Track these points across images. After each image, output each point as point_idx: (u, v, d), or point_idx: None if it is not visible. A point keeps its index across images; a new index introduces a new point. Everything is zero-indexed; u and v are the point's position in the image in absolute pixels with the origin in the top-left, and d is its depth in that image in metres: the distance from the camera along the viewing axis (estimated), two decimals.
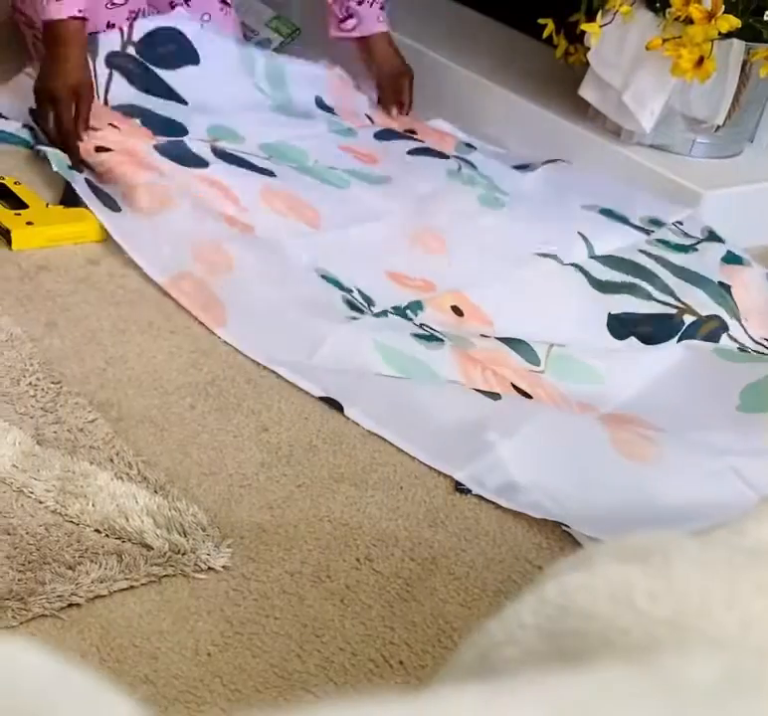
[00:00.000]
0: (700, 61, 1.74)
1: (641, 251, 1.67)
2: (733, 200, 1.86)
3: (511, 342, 1.50)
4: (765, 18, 1.78)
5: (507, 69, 2.13)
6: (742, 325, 1.59)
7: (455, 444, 1.29)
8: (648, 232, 1.74)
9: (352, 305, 1.52)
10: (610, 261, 1.65)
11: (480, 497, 1.24)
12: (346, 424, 1.33)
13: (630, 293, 1.60)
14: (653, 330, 1.56)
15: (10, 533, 1.09)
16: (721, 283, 1.64)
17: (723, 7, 1.72)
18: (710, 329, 1.56)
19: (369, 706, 0.35)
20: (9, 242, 1.57)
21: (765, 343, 1.58)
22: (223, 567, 1.10)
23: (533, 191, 1.84)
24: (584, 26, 1.90)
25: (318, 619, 1.06)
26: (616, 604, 0.45)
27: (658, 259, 1.66)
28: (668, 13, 1.78)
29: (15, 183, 1.69)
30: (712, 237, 1.76)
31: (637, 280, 1.62)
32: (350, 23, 2.04)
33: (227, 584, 1.08)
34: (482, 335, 1.52)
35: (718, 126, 1.88)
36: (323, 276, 1.56)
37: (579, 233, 1.69)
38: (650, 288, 1.61)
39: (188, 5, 2.01)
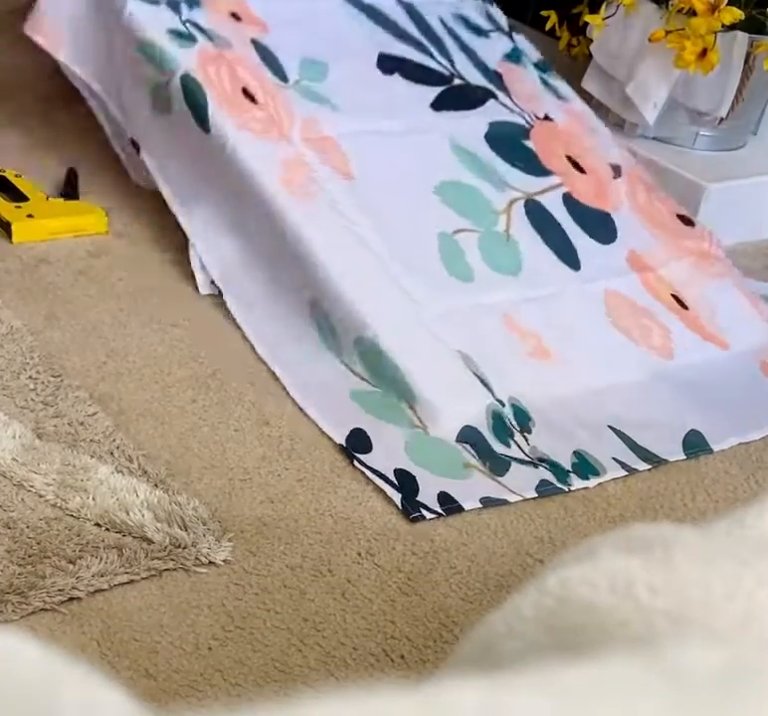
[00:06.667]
0: (704, 53, 1.74)
1: (440, 17, 1.81)
2: (737, 193, 1.85)
3: (267, 54, 1.63)
4: None
5: None
6: (511, 99, 1.74)
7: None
8: None
9: None
10: (409, 7, 1.79)
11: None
12: None
13: (408, 44, 1.74)
14: (420, 76, 1.70)
15: (10, 527, 1.08)
16: (495, 72, 1.78)
17: None
18: (478, 96, 1.72)
19: (372, 698, 0.34)
20: (9, 234, 1.57)
21: (529, 115, 1.73)
22: (223, 561, 1.09)
23: None
24: (587, 18, 1.90)
25: (319, 613, 1.06)
26: (617, 596, 0.45)
27: (450, 30, 1.80)
28: (671, 5, 1.77)
29: (16, 175, 1.69)
30: (509, 32, 1.87)
31: (421, 38, 1.76)
32: None
33: (228, 578, 1.08)
34: (253, 40, 1.64)
35: (722, 119, 1.87)
36: None
37: None
38: (432, 49, 1.75)
39: None
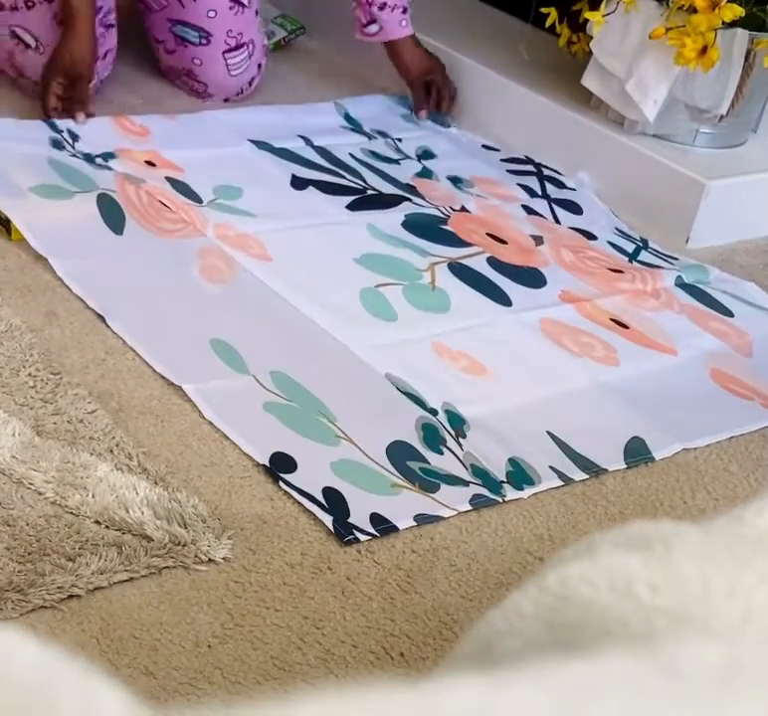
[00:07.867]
0: (704, 50, 1.74)
1: (350, 154, 1.93)
2: (737, 190, 1.85)
3: (182, 186, 1.72)
4: None
5: (510, 58, 2.12)
6: (428, 201, 1.81)
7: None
8: (370, 137, 2.01)
9: (55, 143, 1.77)
10: (320, 148, 1.92)
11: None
12: None
13: (321, 172, 1.86)
14: (334, 190, 1.80)
15: (10, 524, 1.08)
16: (407, 184, 1.87)
17: None
18: (393, 200, 1.80)
19: (372, 695, 0.34)
20: (9, 232, 1.57)
21: (445, 207, 1.80)
22: (223, 558, 1.09)
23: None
24: (587, 15, 1.90)
25: (319, 610, 1.06)
26: (616, 595, 0.44)
27: (360, 161, 1.92)
28: (671, 2, 1.77)
29: None
30: (425, 156, 1.98)
31: (332, 167, 1.88)
32: (373, 28, 2.05)
33: (227, 575, 1.08)
34: (168, 178, 1.73)
35: (722, 116, 1.87)
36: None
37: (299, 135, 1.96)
38: (344, 173, 1.86)
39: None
